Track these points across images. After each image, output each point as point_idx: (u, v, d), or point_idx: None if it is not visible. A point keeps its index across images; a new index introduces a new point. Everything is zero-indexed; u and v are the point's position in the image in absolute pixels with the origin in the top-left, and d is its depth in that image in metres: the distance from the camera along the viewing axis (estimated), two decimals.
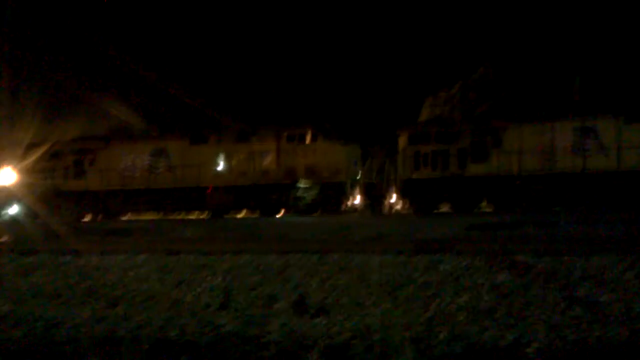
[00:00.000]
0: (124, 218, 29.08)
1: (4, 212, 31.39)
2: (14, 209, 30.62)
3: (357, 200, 27.07)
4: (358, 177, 26.93)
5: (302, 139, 26.48)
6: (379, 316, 8.86)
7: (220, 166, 27.47)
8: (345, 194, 26.18)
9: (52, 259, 13.80)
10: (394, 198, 27.30)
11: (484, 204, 25.41)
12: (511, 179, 24.36)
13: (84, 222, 28.40)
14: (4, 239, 19.16)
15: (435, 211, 24.93)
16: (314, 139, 26.41)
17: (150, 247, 14.35)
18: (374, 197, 27.34)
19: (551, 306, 8.60)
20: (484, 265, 10.61)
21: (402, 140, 26.96)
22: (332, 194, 26.01)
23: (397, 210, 26.94)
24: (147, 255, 13.38)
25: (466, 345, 7.74)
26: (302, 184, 26.42)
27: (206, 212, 28.02)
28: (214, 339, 8.86)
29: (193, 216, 28.84)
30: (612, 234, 14.16)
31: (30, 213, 29.08)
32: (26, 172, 30.53)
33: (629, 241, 12.63)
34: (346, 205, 26.52)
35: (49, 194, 29.42)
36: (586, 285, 9.32)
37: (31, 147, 31.45)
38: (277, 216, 26.26)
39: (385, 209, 27.16)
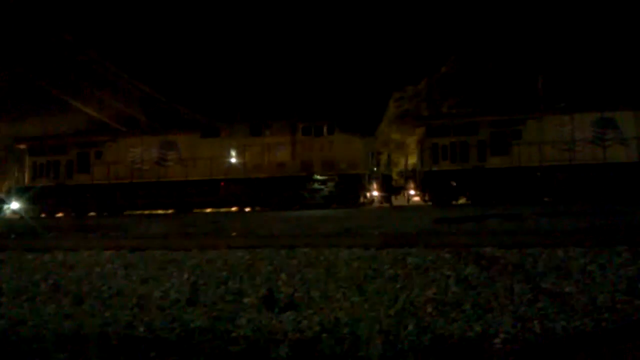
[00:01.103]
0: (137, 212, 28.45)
1: (6, 207, 30.75)
2: (15, 205, 29.96)
3: (375, 192, 27.06)
4: (375, 169, 26.90)
5: (319, 131, 26.27)
6: (348, 309, 8.91)
7: (234, 159, 27.22)
8: (364, 187, 26.11)
9: (16, 255, 13.56)
10: (412, 190, 27.27)
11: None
12: (532, 171, 24.60)
13: (52, 219, 27.74)
14: None
15: (454, 203, 24.79)
16: (330, 131, 26.25)
17: (116, 244, 14.15)
18: (392, 190, 27.37)
19: (518, 298, 8.74)
20: (451, 258, 10.73)
21: (419, 133, 26.99)
22: (349, 187, 25.92)
23: (415, 203, 26.89)
24: (113, 252, 13.23)
25: (434, 337, 7.83)
26: (319, 176, 26.27)
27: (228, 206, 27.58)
28: (182, 334, 8.82)
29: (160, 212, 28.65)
30: (580, 226, 14.40)
31: (30, 209, 28.63)
32: (28, 167, 29.93)
33: (590, 232, 12.86)
34: (364, 197, 26.50)
35: (50, 189, 28.74)
36: (551, 276, 9.48)
37: (34, 141, 30.88)
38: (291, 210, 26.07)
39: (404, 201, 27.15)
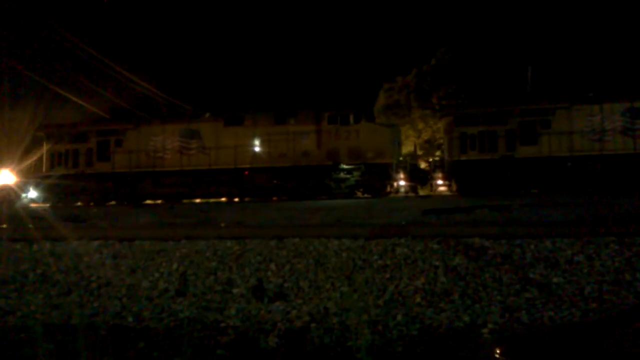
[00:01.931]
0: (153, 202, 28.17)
1: (23, 195, 30.45)
2: (33, 193, 29.65)
3: (402, 182, 26.99)
4: (401, 159, 26.80)
5: (345, 120, 26.07)
6: (337, 299, 8.94)
7: (258, 148, 27.00)
8: (390, 176, 26.03)
9: (4, 245, 13.46)
10: (439, 180, 27.20)
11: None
12: (562, 161, 24.59)
13: (40, 208, 27.48)
14: None
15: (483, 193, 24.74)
16: (357, 120, 26.02)
17: (105, 234, 14.08)
18: (419, 179, 27.30)
19: (506, 288, 8.79)
20: (440, 249, 10.74)
21: (446, 122, 26.83)
22: (376, 176, 25.83)
23: (441, 192, 26.81)
24: (102, 242, 13.16)
25: (423, 327, 7.87)
26: (345, 165, 26.17)
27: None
28: (171, 325, 8.82)
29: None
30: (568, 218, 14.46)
31: (49, 197, 28.36)
32: (47, 155, 29.54)
33: (576, 223, 12.93)
34: (391, 187, 26.42)
35: (69, 177, 28.39)
36: (539, 267, 9.53)
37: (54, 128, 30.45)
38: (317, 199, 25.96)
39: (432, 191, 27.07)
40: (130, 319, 9.04)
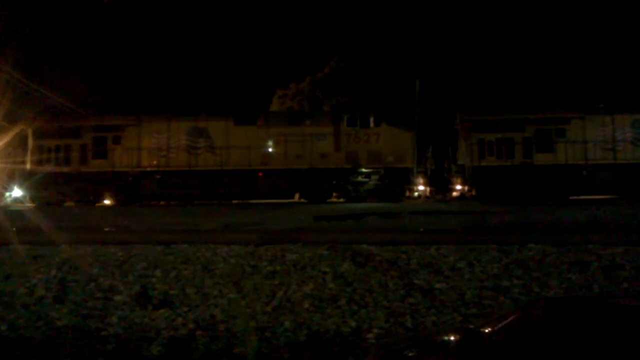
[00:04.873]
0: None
1: (7, 194, 27.54)
2: (17, 192, 26.76)
3: (421, 187, 26.71)
4: (421, 164, 26.46)
5: (365, 122, 25.52)
6: (224, 306, 8.79)
7: (273, 149, 25.70)
8: (410, 181, 25.63)
9: None
10: (458, 185, 27.11)
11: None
12: (578, 169, 25.40)
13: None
14: None
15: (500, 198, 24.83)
16: (377, 123, 25.60)
17: None
18: (440, 184, 27.13)
19: (391, 293, 8.95)
20: (329, 255, 10.83)
21: (463, 128, 26.90)
22: (395, 181, 25.33)
23: (457, 197, 26.71)
24: None
25: (310, 333, 7.87)
26: (364, 169, 25.48)
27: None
28: (49, 333, 8.37)
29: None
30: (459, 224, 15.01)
31: (35, 196, 25.76)
32: (33, 150, 26.72)
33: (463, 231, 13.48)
34: (410, 192, 26.04)
35: (60, 175, 25.75)
36: (423, 273, 9.79)
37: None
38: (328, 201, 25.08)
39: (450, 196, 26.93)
40: (3, 328, 8.51)
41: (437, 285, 9.20)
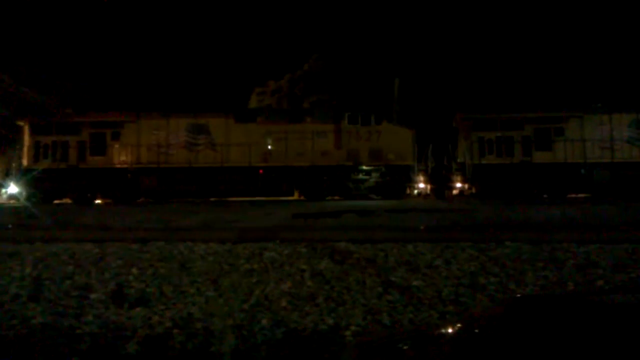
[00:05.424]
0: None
1: (4, 190, 26.92)
2: (13, 189, 26.17)
3: (422, 185, 26.73)
4: (421, 162, 26.46)
5: (366, 120, 25.62)
6: (202, 304, 8.74)
7: (273, 146, 25.58)
8: (411, 179, 25.65)
9: None
10: (459, 183, 27.12)
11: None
12: (577, 167, 25.68)
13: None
14: None
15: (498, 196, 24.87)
16: (378, 121, 25.89)
17: None
18: (441, 182, 27.13)
19: (369, 291, 8.97)
20: (307, 253, 10.84)
21: (463, 126, 27.24)
22: (396, 178, 25.33)
23: (456, 196, 26.70)
24: None
25: (287, 331, 7.85)
26: (365, 166, 25.46)
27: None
28: (23, 332, 8.25)
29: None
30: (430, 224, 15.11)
31: (31, 193, 25.21)
32: (30, 146, 26.27)
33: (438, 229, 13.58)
34: (411, 190, 26.05)
35: (57, 172, 25.24)
36: (401, 270, 9.84)
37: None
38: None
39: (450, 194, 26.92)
40: None
41: (415, 283, 9.25)
